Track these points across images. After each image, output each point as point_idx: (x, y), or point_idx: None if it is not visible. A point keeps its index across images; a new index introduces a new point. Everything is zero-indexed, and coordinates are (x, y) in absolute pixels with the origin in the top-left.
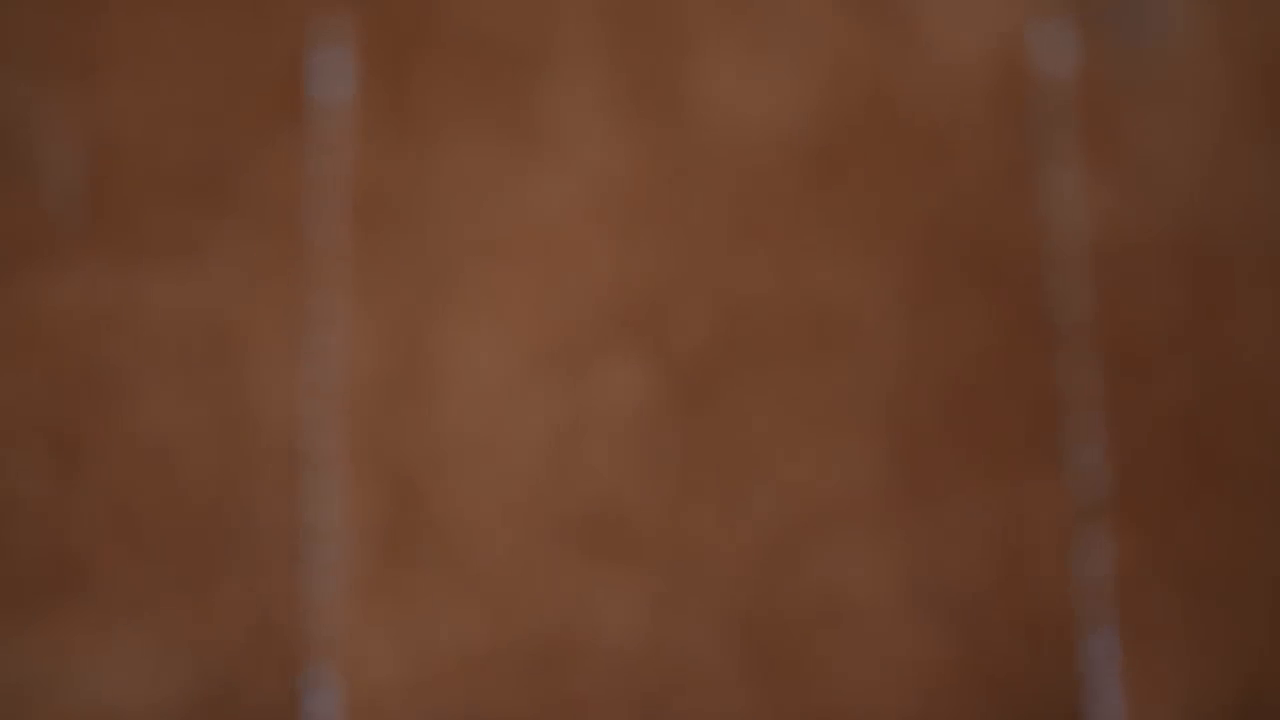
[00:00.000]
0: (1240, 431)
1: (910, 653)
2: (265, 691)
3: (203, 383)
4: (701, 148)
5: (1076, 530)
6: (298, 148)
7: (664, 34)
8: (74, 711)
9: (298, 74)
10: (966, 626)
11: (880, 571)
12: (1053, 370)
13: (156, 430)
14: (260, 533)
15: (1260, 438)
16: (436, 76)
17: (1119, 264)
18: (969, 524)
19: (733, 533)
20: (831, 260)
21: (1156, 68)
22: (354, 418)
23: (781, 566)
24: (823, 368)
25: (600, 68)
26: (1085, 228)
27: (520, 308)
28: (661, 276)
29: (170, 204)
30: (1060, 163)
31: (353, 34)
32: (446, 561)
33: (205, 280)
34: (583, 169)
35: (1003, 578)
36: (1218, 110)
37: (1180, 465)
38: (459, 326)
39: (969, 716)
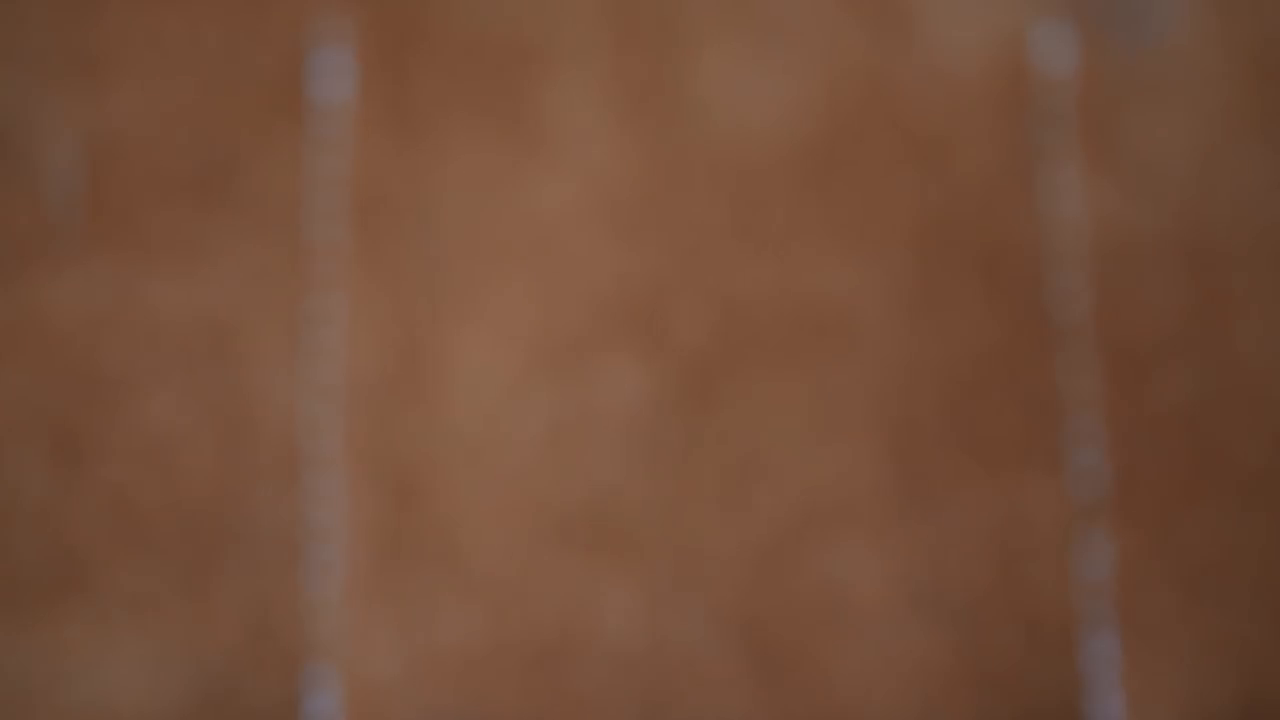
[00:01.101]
0: (1240, 431)
1: (910, 653)
2: (265, 691)
3: (203, 383)
4: (702, 147)
5: (1076, 530)
6: (298, 148)
7: (664, 34)
8: (74, 711)
9: (298, 74)
10: (966, 627)
11: (880, 571)
12: (1053, 370)
13: (156, 430)
14: (260, 533)
15: (1260, 438)
16: (437, 77)
17: (1119, 264)
18: (969, 524)
19: (732, 532)
20: (831, 260)
21: (1156, 68)
22: (354, 418)
23: (781, 566)
24: (822, 368)
25: (600, 68)
26: (1085, 227)
27: (520, 307)
28: (661, 276)
29: (170, 204)
30: (1060, 163)
31: (353, 34)
32: (446, 561)
33: (205, 280)
34: (583, 169)
35: (1002, 578)
36: (1218, 110)
37: (1180, 465)
38: (459, 326)
39: (969, 717)
